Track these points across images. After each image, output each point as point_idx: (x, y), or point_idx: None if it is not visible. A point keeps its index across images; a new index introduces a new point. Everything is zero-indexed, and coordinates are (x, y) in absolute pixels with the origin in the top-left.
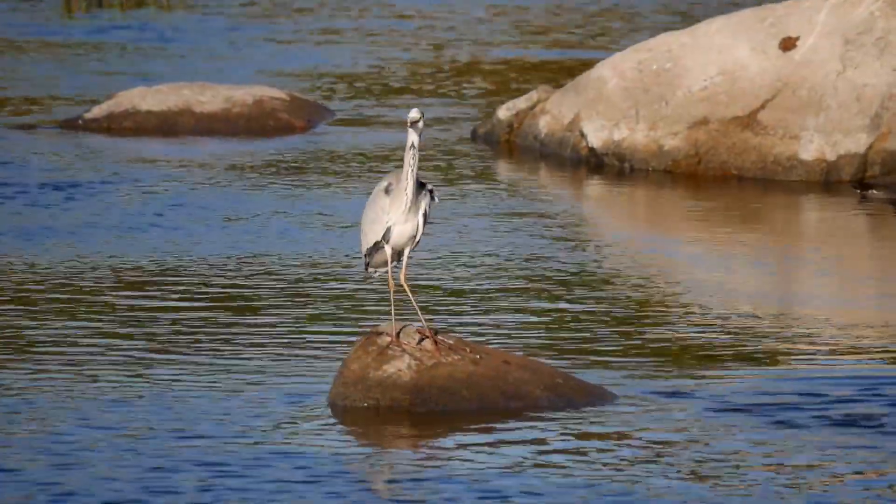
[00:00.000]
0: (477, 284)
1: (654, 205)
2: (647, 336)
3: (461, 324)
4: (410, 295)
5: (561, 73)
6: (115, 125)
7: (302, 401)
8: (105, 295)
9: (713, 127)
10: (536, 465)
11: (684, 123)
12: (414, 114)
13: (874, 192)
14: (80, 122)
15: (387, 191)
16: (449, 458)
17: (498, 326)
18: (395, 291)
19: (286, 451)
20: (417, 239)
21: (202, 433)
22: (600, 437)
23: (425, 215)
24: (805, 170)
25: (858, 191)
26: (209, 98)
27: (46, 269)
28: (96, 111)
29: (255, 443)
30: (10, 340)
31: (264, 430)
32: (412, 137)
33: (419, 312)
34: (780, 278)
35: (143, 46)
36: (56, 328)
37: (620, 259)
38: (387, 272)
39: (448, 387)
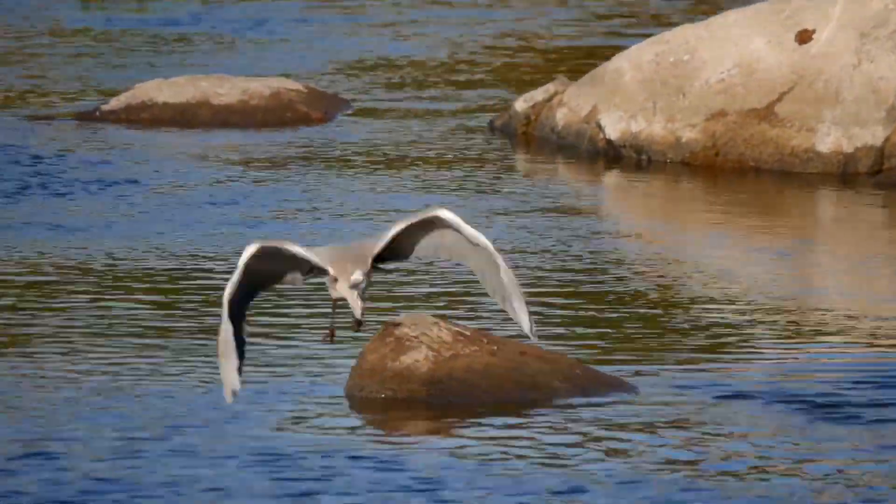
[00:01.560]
0: None
1: (672, 196)
2: (667, 327)
3: (478, 315)
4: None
5: (580, 64)
6: (133, 117)
7: (318, 392)
8: (120, 288)
9: (730, 119)
10: (554, 457)
11: (702, 115)
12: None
13: None
14: (97, 113)
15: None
16: (466, 450)
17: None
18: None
19: (301, 443)
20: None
21: (216, 425)
22: (620, 428)
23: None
24: (822, 162)
25: None
26: (226, 90)
27: (61, 261)
28: (114, 103)
29: (270, 433)
30: (18, 330)
31: (279, 422)
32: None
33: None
34: (801, 269)
35: (162, 36)
36: (75, 319)
37: (639, 250)
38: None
39: (465, 378)
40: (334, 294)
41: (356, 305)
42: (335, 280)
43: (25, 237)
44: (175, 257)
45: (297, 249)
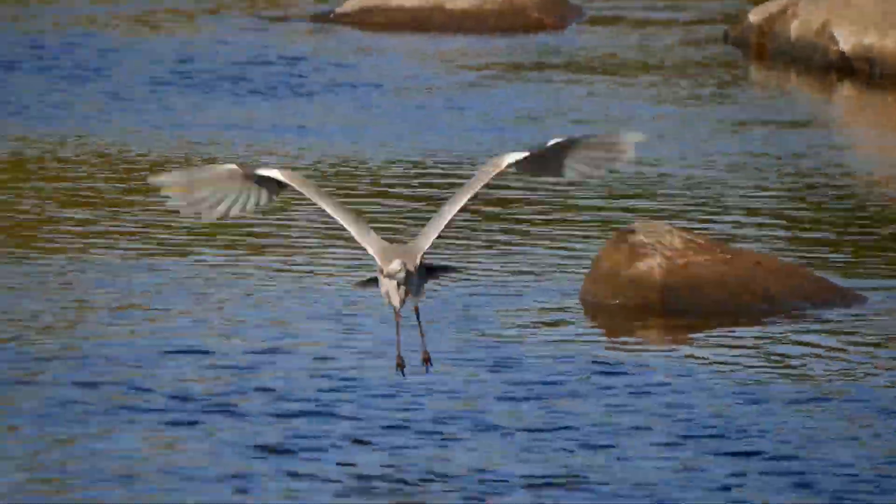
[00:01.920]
0: (727, 186)
1: None
2: None
3: (712, 224)
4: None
5: None
6: (366, 20)
7: (551, 296)
8: (352, 186)
9: None
10: (783, 366)
11: None
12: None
13: None
14: (331, 15)
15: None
16: (697, 357)
17: (748, 228)
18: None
19: (533, 345)
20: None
21: (447, 325)
22: (850, 340)
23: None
24: None
25: None
26: None
27: (298, 161)
28: (347, 6)
29: (503, 335)
30: (244, 231)
31: (512, 323)
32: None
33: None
34: None
35: None
36: (297, 219)
37: (871, 164)
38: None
39: (698, 286)
40: (383, 289)
41: (395, 297)
42: (381, 270)
43: (271, 137)
44: (411, 160)
45: (356, 229)
